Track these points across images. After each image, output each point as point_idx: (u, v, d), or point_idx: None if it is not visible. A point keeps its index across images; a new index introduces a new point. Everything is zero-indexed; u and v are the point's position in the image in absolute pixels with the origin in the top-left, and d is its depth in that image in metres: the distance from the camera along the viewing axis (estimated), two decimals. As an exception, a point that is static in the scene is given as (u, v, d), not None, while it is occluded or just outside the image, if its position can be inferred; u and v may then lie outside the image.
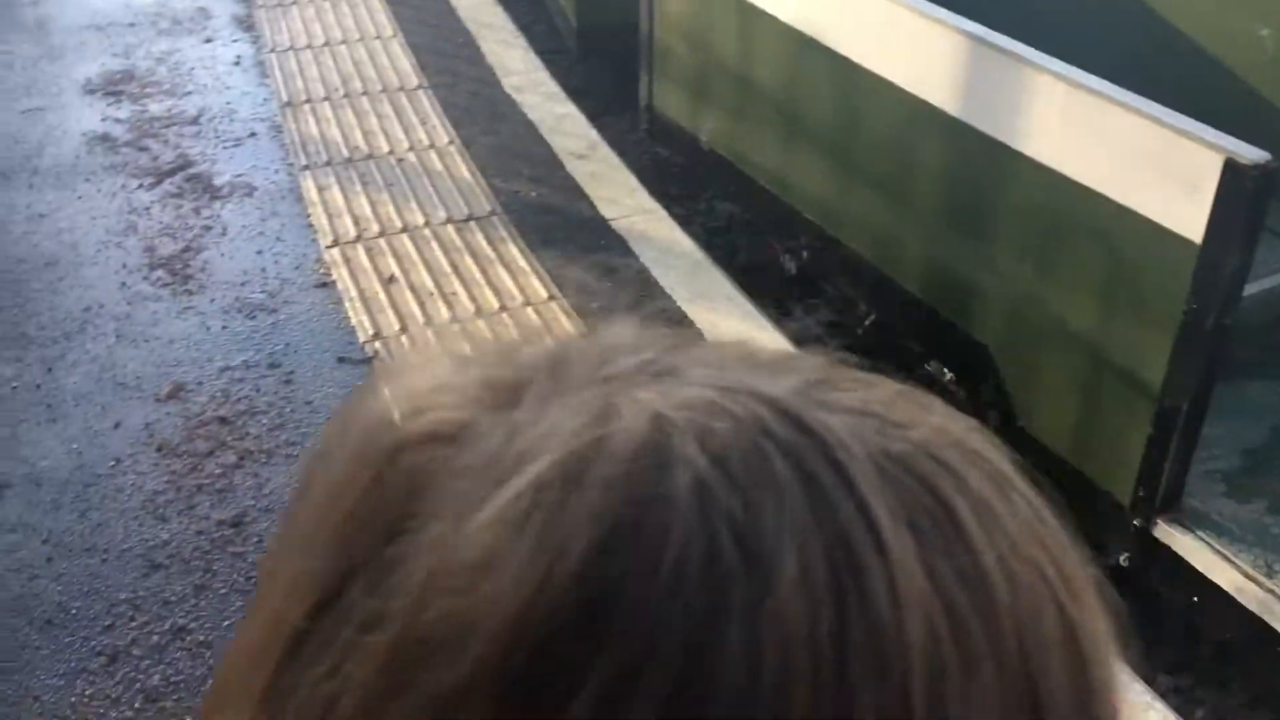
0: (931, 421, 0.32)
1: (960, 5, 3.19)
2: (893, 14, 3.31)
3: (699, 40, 4.20)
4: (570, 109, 4.90)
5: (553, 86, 5.09)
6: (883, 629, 0.27)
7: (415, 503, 0.30)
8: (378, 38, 5.39)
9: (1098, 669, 0.31)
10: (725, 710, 0.26)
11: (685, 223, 4.67)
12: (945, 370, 3.42)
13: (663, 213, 4.11)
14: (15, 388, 3.27)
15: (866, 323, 3.80)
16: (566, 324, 3.47)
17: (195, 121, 4.71)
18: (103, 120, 4.72)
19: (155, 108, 4.85)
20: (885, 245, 3.60)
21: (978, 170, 3.13)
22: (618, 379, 0.32)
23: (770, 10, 3.78)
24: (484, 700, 0.27)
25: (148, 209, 4.12)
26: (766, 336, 3.42)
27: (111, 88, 5.00)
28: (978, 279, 3.22)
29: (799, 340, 3.97)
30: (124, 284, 3.72)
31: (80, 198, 4.18)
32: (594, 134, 4.66)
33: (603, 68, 5.41)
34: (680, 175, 4.92)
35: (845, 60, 3.53)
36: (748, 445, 0.29)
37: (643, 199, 4.18)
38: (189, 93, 4.99)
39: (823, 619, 0.27)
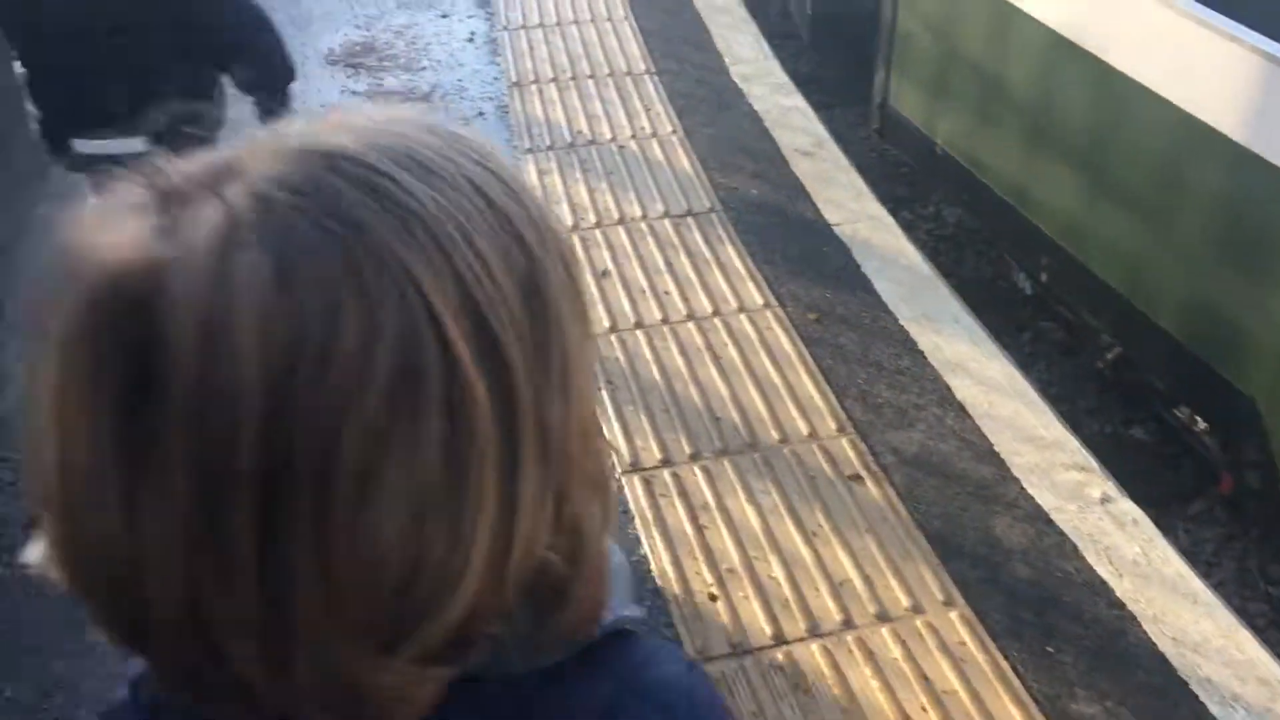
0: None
1: (1245, 16, 2.84)
2: (1167, 20, 2.99)
3: (945, 37, 3.94)
4: (797, 101, 4.71)
5: (781, 76, 4.91)
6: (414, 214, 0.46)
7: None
8: (609, 19, 5.33)
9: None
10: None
11: (910, 227, 4.43)
12: (1198, 419, 3.09)
13: (889, 220, 3.89)
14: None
15: (1109, 356, 3.49)
16: (782, 336, 3.32)
17: (427, 98, 4.77)
18: (341, 93, 4.84)
19: (391, 81, 4.95)
20: (1138, 273, 3.28)
21: (1257, 202, 2.79)
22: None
23: (1028, 9, 3.49)
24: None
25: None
26: (997, 367, 3.17)
27: (352, 60, 5.13)
28: (1247, 322, 2.88)
29: (1028, 367, 3.70)
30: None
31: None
32: (821, 129, 4.46)
33: (835, 57, 5.19)
34: (909, 177, 4.67)
35: (1108, 68, 3.22)
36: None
37: (869, 204, 3.97)
38: (423, 68, 5.06)
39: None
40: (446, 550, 0.46)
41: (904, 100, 4.28)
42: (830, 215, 3.91)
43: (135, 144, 2.61)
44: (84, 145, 2.69)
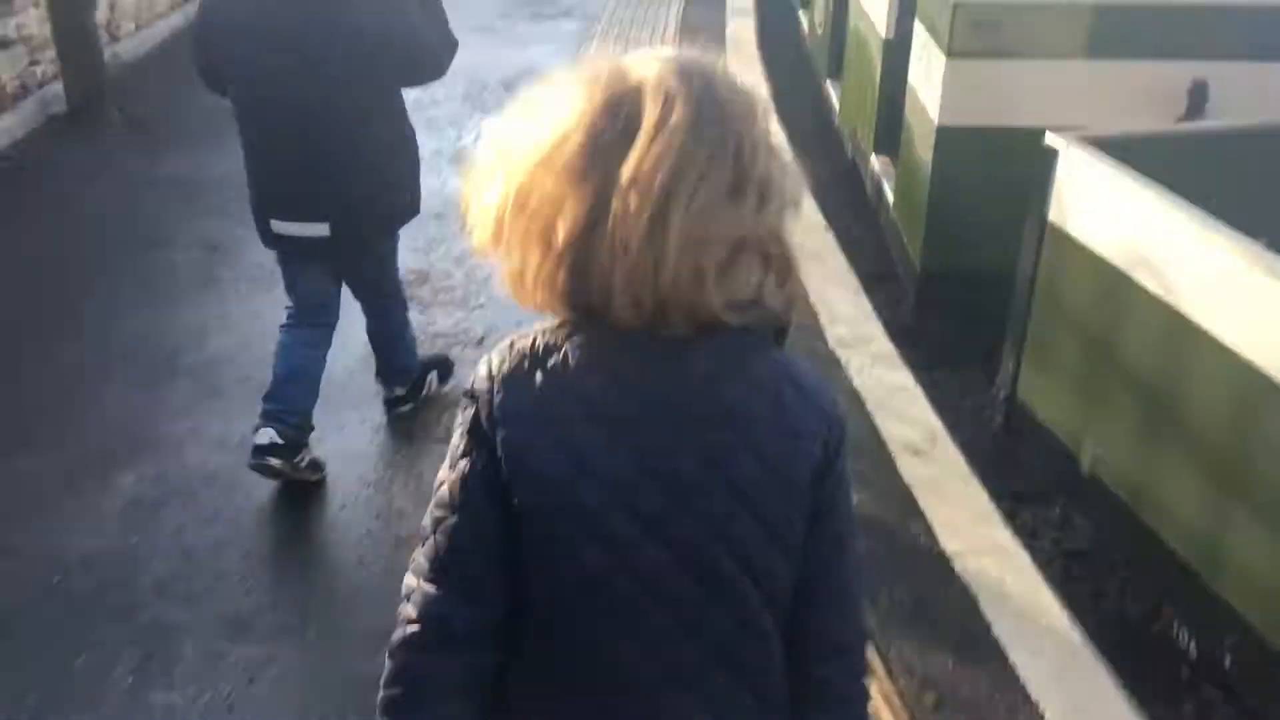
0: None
1: None
2: None
3: (1098, 345, 3.30)
4: (905, 378, 4.07)
5: (885, 343, 4.30)
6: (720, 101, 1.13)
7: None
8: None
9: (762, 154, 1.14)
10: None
11: (1033, 534, 3.70)
12: None
13: (1023, 557, 3.16)
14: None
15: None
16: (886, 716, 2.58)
17: (480, 342, 4.24)
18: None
19: (443, 321, 4.43)
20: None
21: None
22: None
23: (1219, 335, 2.82)
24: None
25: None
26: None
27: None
28: None
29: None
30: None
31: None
32: (934, 418, 3.80)
33: (948, 324, 4.59)
34: (1038, 489, 3.95)
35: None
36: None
37: (995, 530, 3.26)
38: (480, 306, 4.55)
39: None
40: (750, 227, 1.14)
41: (1037, 399, 3.62)
42: (948, 542, 3.20)
43: (321, 229, 3.03)
44: (279, 226, 3.09)
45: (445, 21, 3.10)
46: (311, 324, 3.28)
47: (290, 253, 3.18)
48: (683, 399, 1.17)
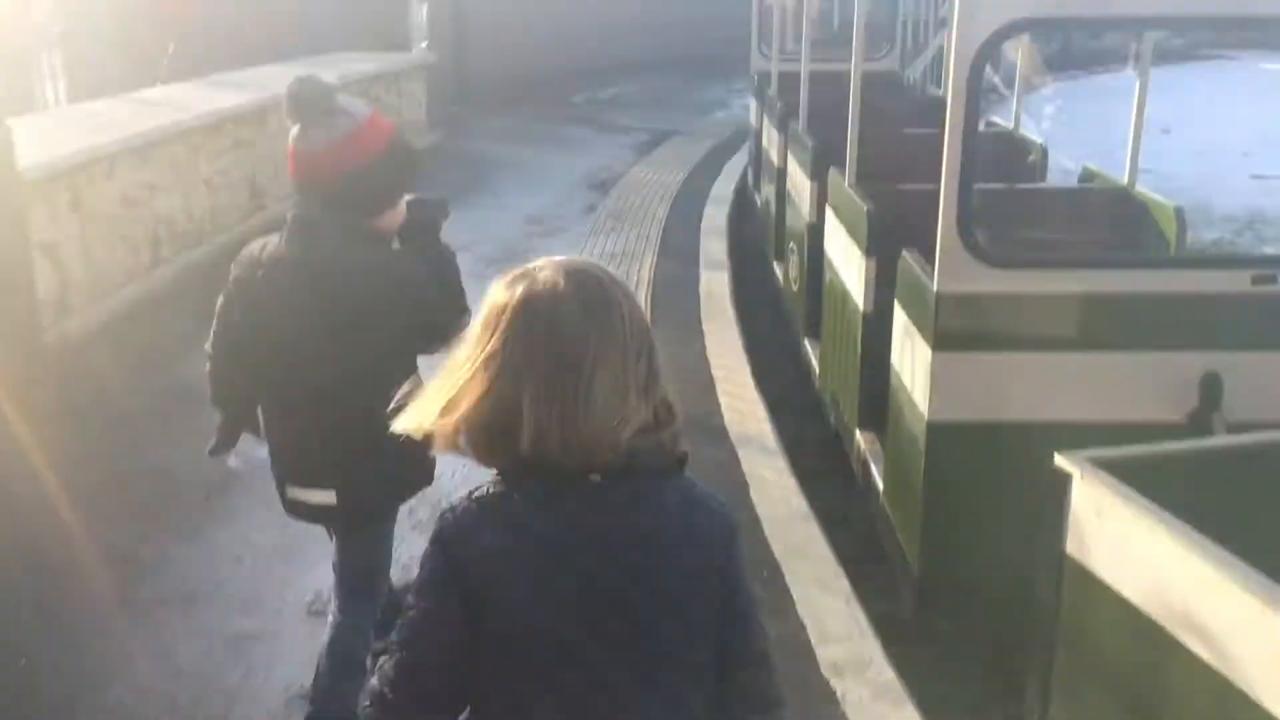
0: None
1: None
2: None
3: (1138, 697, 2.79)
4: (910, 716, 3.53)
5: (885, 669, 3.77)
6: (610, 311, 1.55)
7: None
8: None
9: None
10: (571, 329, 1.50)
11: None
12: None
13: None
14: None
15: None
16: None
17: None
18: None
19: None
20: None
21: None
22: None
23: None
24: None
25: None
26: None
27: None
28: None
29: None
30: None
31: None
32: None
33: (949, 624, 4.09)
34: None
35: None
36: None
37: None
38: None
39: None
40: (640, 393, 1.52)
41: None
42: None
43: (328, 496, 2.96)
44: (293, 492, 3.06)
45: (462, 294, 2.99)
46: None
47: (311, 520, 3.13)
48: (614, 530, 1.51)
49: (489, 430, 1.49)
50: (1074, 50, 24.25)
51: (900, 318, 4.37)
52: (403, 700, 1.50)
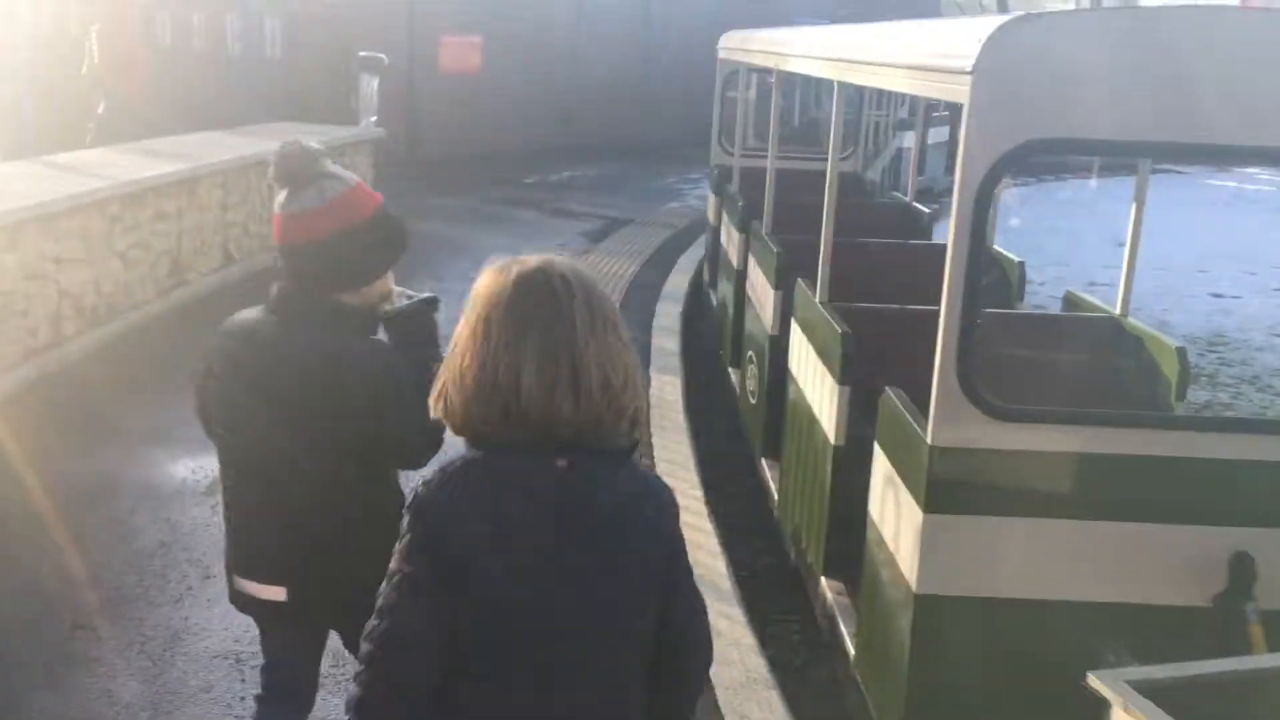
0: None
1: None
2: None
3: None
4: None
5: None
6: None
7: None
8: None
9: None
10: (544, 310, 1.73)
11: None
12: None
13: None
14: None
15: None
16: None
17: None
18: None
19: None
20: None
21: None
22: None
23: None
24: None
25: None
26: None
27: None
28: None
29: None
30: None
31: None
32: None
33: None
34: None
35: None
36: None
37: None
38: None
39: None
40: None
41: None
42: None
43: (278, 593, 2.76)
44: (240, 583, 2.83)
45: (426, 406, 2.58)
46: (277, 701, 2.93)
47: (255, 615, 2.92)
48: (576, 508, 1.70)
49: (485, 405, 1.67)
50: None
51: (881, 463, 3.84)
52: (381, 678, 1.62)
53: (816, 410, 4.94)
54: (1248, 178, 25.31)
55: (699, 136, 24.25)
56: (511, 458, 1.67)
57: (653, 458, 6.52)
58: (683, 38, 23.97)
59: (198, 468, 5.93)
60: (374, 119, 14.71)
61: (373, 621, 1.65)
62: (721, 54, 10.14)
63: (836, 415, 4.56)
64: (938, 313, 3.23)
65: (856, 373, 4.52)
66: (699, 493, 6.11)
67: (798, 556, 5.35)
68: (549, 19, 21.47)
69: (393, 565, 1.66)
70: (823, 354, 4.87)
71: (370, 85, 14.81)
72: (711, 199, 10.33)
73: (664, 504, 1.81)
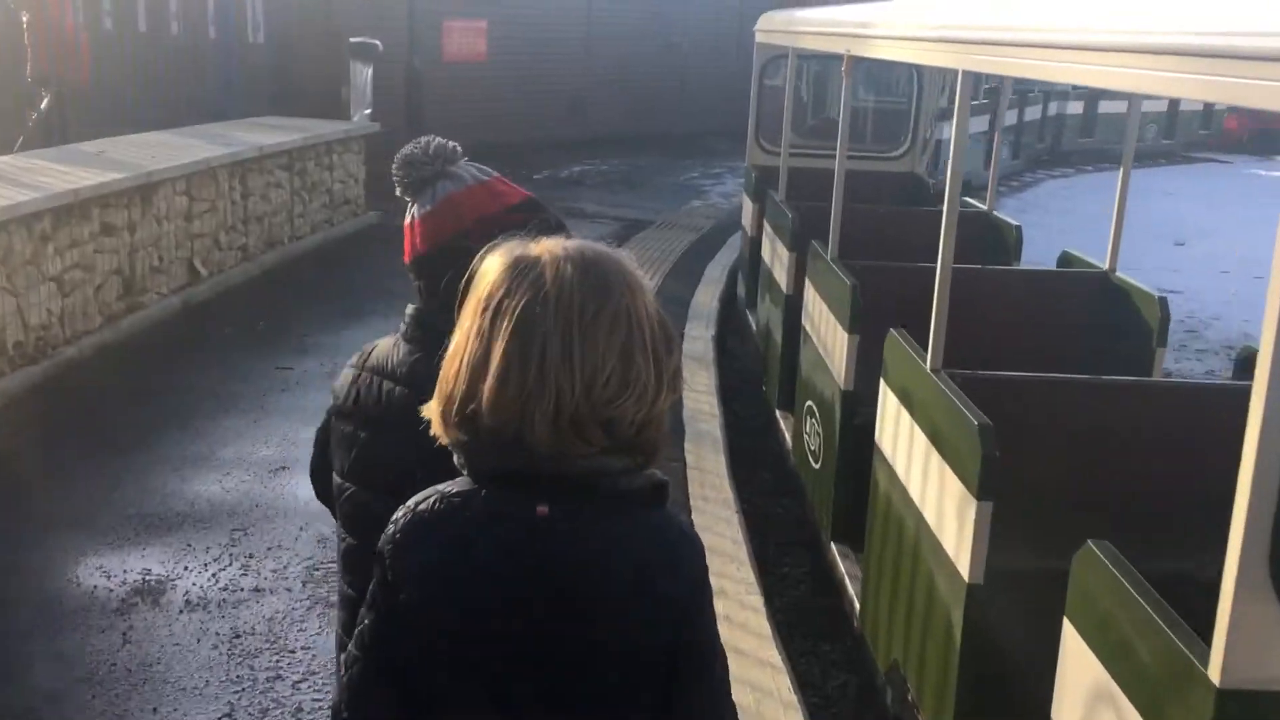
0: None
1: None
2: None
3: None
4: None
5: None
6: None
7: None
8: None
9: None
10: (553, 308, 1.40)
11: None
12: None
13: None
14: None
15: None
16: None
17: None
18: None
19: None
20: None
21: None
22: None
23: None
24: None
25: None
26: None
27: None
28: None
29: None
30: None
31: None
32: None
33: None
34: None
35: None
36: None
37: None
38: None
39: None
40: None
41: None
42: None
43: None
44: None
45: None
46: None
47: None
48: (557, 563, 1.39)
49: (457, 416, 1.42)
50: (1063, 149, 23.07)
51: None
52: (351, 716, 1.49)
53: (934, 525, 3.58)
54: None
55: (722, 127, 23.07)
56: (483, 498, 1.41)
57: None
58: (703, 23, 22.57)
59: (115, 572, 4.65)
60: (368, 111, 13.39)
61: (348, 652, 1.50)
62: (760, 37, 8.78)
63: (973, 543, 3.21)
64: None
65: (1001, 484, 3.19)
66: (754, 586, 4.80)
67: (894, 702, 4.03)
68: (559, 1, 20.11)
69: (362, 611, 1.49)
70: (943, 447, 3.53)
71: (364, 75, 13.48)
72: (749, 205, 8.96)
73: (684, 574, 1.45)
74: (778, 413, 6.94)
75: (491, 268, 1.44)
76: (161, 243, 8.34)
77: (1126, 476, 3.53)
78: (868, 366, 4.72)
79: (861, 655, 4.56)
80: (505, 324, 1.38)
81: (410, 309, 2.16)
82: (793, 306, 6.62)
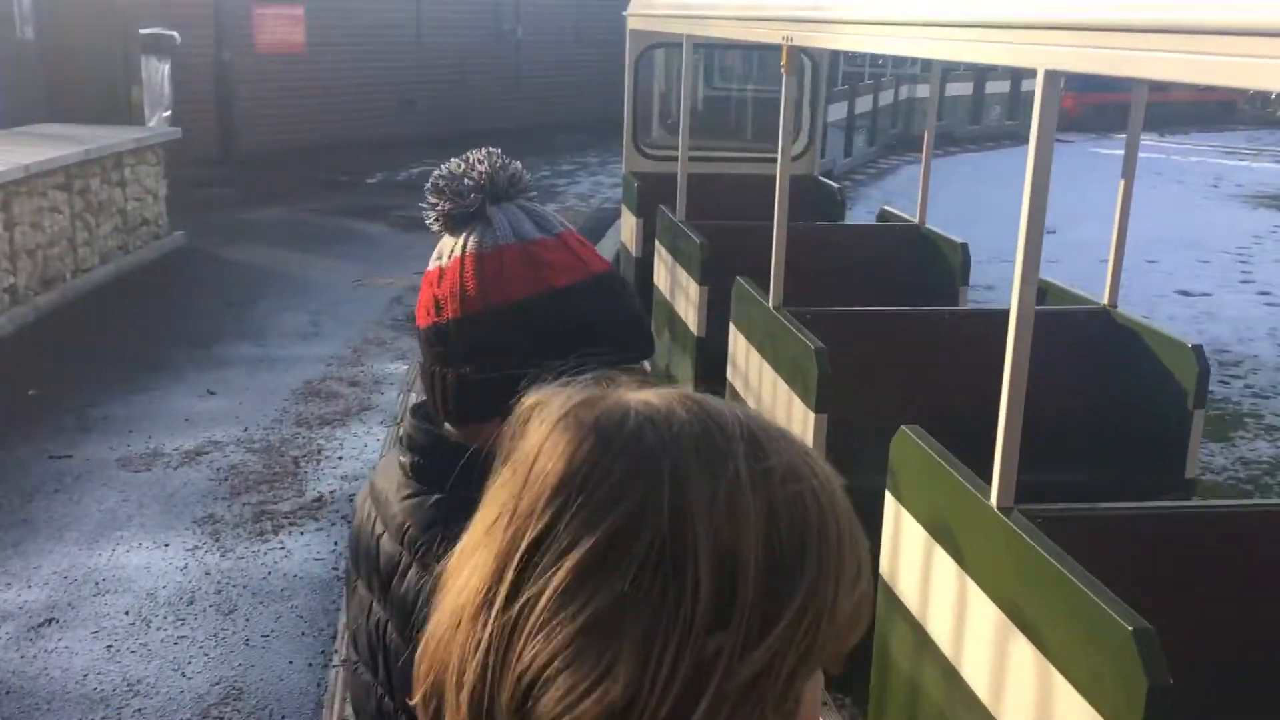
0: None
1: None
2: None
3: None
4: None
5: None
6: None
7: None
8: None
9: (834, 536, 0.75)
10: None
11: None
12: None
13: None
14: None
15: None
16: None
17: None
18: None
19: None
20: None
21: None
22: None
23: None
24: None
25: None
26: None
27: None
28: None
29: None
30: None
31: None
32: None
33: None
34: None
35: None
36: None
37: None
38: None
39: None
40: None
41: None
42: None
43: None
44: None
45: None
46: None
47: None
48: None
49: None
50: (914, 134, 22.70)
51: None
52: None
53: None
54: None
55: (563, 120, 21.84)
56: None
57: None
58: (540, 13, 21.19)
59: None
60: (166, 114, 11.56)
61: None
62: (632, 24, 7.51)
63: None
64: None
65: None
66: None
67: None
68: (383, -12, 18.40)
69: None
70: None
71: (160, 71, 11.63)
72: (630, 220, 7.68)
73: None
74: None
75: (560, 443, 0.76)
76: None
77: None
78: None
79: None
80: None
81: (411, 405, 1.58)
82: (702, 349, 5.43)
